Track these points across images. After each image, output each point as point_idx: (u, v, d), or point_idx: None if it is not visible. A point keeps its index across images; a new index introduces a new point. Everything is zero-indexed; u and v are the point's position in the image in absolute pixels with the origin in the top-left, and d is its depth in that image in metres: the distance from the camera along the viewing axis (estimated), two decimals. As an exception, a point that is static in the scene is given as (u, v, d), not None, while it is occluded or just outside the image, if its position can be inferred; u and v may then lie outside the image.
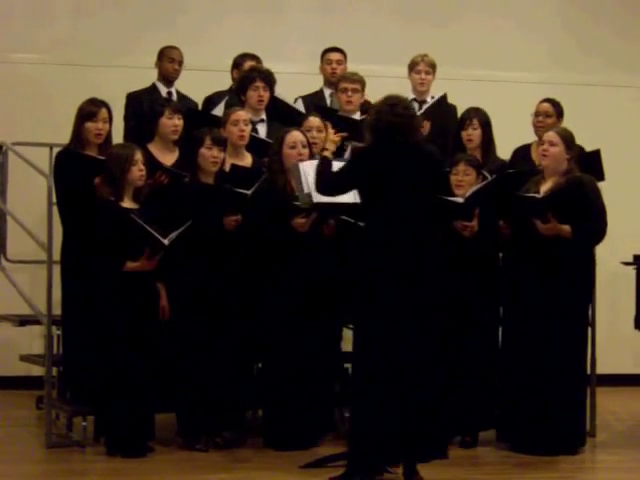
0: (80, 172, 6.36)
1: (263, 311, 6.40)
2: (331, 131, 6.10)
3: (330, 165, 5.80)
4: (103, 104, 6.57)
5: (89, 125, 6.51)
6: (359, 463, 5.50)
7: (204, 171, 6.40)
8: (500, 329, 6.65)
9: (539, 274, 6.32)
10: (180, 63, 7.68)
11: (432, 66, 7.50)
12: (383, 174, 5.56)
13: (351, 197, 5.99)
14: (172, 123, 6.64)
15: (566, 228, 6.27)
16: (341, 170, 5.74)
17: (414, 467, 5.48)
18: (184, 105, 7.18)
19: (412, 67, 7.50)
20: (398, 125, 5.59)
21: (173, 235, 6.08)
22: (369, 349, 5.51)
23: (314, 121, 6.79)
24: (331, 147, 5.93)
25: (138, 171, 6.18)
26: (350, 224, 6.27)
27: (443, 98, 7.26)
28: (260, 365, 6.66)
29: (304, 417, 6.33)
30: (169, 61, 7.65)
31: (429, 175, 5.69)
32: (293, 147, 6.45)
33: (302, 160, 6.34)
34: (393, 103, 5.64)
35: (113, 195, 6.16)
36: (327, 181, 5.77)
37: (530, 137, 7.16)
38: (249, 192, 6.27)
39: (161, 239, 6.04)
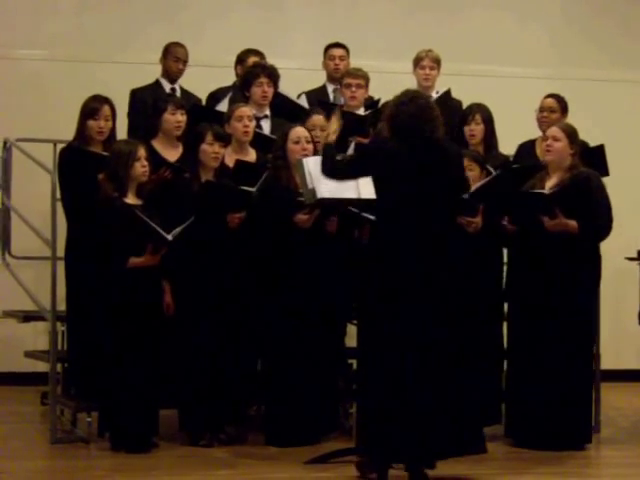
0: (84, 168, 6.37)
1: (266, 307, 6.39)
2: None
3: (332, 149, 5.71)
4: (106, 101, 6.57)
5: (91, 123, 6.52)
6: (372, 458, 5.50)
7: (205, 167, 6.39)
8: (505, 325, 6.65)
9: (545, 270, 6.31)
10: (185, 62, 7.64)
11: (436, 61, 7.49)
12: (397, 168, 5.45)
13: (354, 192, 5.98)
14: (175, 119, 6.63)
15: (572, 224, 6.26)
16: (352, 155, 5.64)
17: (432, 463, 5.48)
18: (188, 101, 7.18)
19: (416, 62, 7.50)
20: (417, 119, 5.46)
21: (176, 231, 6.07)
22: (378, 348, 5.47)
23: (318, 119, 6.78)
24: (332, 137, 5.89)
25: (141, 167, 6.18)
26: (355, 216, 6.25)
27: (447, 93, 7.26)
28: (263, 361, 6.65)
29: (306, 414, 6.32)
30: (174, 60, 7.62)
31: (447, 173, 5.52)
32: (297, 142, 6.44)
33: (306, 155, 6.33)
34: (413, 97, 5.55)
35: (116, 191, 6.16)
36: (332, 162, 5.65)
37: (534, 132, 7.15)
38: (254, 190, 6.26)
39: (165, 235, 6.04)
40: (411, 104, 5.49)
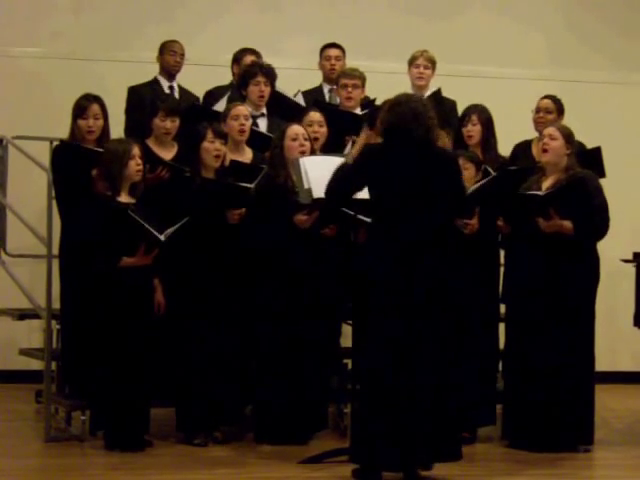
0: (78, 164, 6.34)
1: (261, 306, 6.39)
2: None
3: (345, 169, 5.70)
4: (95, 100, 6.53)
5: (80, 122, 6.51)
6: (365, 463, 5.49)
7: (206, 165, 6.39)
8: (502, 326, 6.64)
9: (542, 271, 6.31)
10: (182, 56, 7.69)
11: (431, 62, 7.50)
12: (391, 172, 5.44)
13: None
14: (163, 126, 6.60)
15: (567, 224, 6.26)
16: (348, 168, 5.64)
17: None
18: (187, 99, 7.17)
19: (411, 62, 7.52)
20: (408, 121, 5.43)
21: (169, 231, 6.06)
22: (373, 350, 5.47)
23: (315, 115, 6.78)
24: None
25: (135, 166, 6.16)
26: (351, 218, 6.25)
27: (437, 92, 7.26)
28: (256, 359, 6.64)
29: (295, 412, 6.30)
30: (171, 54, 7.66)
31: (440, 176, 5.50)
32: (295, 139, 6.43)
33: (304, 152, 6.34)
34: (405, 99, 5.55)
35: (110, 190, 6.14)
36: (332, 181, 5.66)
37: (529, 134, 7.16)
38: (252, 185, 6.26)
39: (157, 235, 6.02)
40: (403, 107, 5.49)
